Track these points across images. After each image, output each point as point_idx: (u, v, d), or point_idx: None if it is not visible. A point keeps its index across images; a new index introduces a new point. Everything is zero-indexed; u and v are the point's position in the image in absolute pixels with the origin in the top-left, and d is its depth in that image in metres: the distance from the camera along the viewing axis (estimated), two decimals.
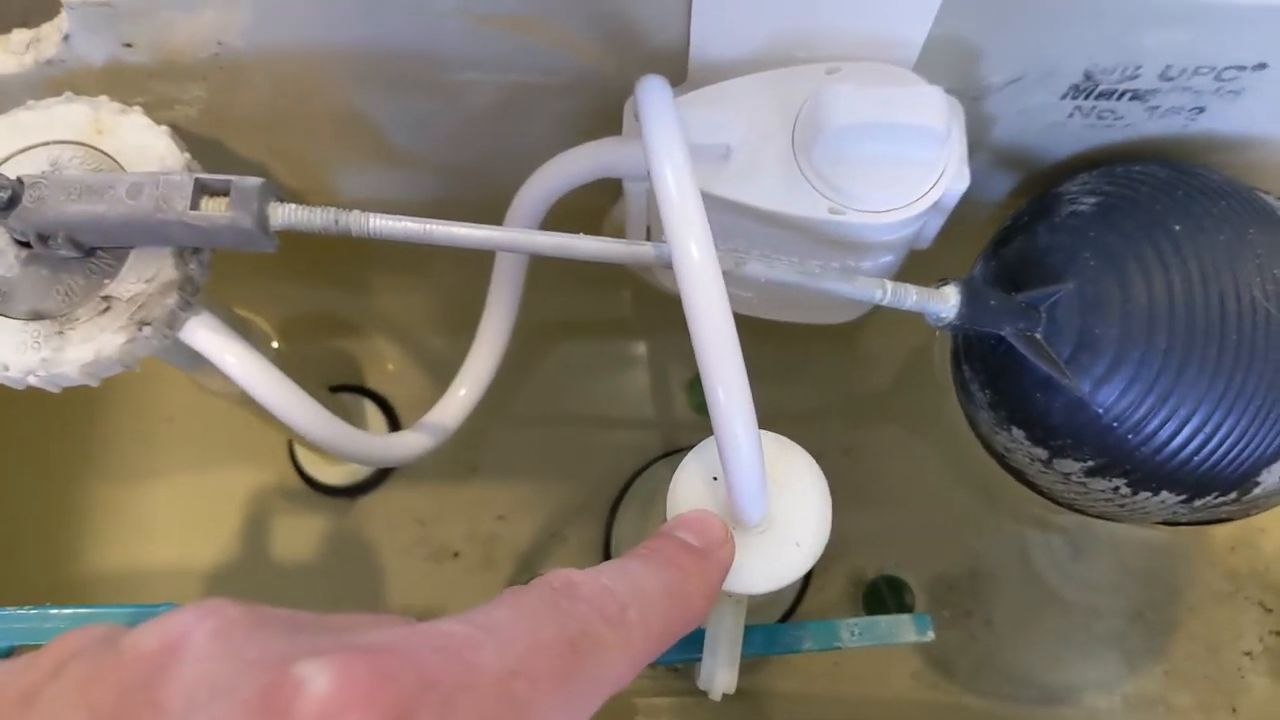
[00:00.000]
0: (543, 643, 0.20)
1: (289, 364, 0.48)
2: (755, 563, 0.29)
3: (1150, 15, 0.31)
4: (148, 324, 0.30)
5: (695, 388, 0.55)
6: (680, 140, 0.28)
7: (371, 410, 0.53)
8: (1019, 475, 0.39)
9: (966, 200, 0.42)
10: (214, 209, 0.28)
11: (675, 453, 0.54)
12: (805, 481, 0.30)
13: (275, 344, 0.42)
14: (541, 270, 0.37)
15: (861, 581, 0.53)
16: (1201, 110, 0.36)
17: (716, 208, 0.33)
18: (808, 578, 0.53)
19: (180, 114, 0.36)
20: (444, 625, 0.19)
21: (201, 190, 0.28)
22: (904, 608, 0.53)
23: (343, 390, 0.53)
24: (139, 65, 0.34)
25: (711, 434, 0.29)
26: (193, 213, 0.28)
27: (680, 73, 0.34)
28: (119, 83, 0.34)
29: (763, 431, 0.31)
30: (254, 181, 0.28)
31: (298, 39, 0.32)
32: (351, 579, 0.51)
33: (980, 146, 0.39)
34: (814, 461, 0.31)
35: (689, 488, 0.30)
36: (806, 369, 0.54)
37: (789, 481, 0.30)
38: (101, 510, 0.51)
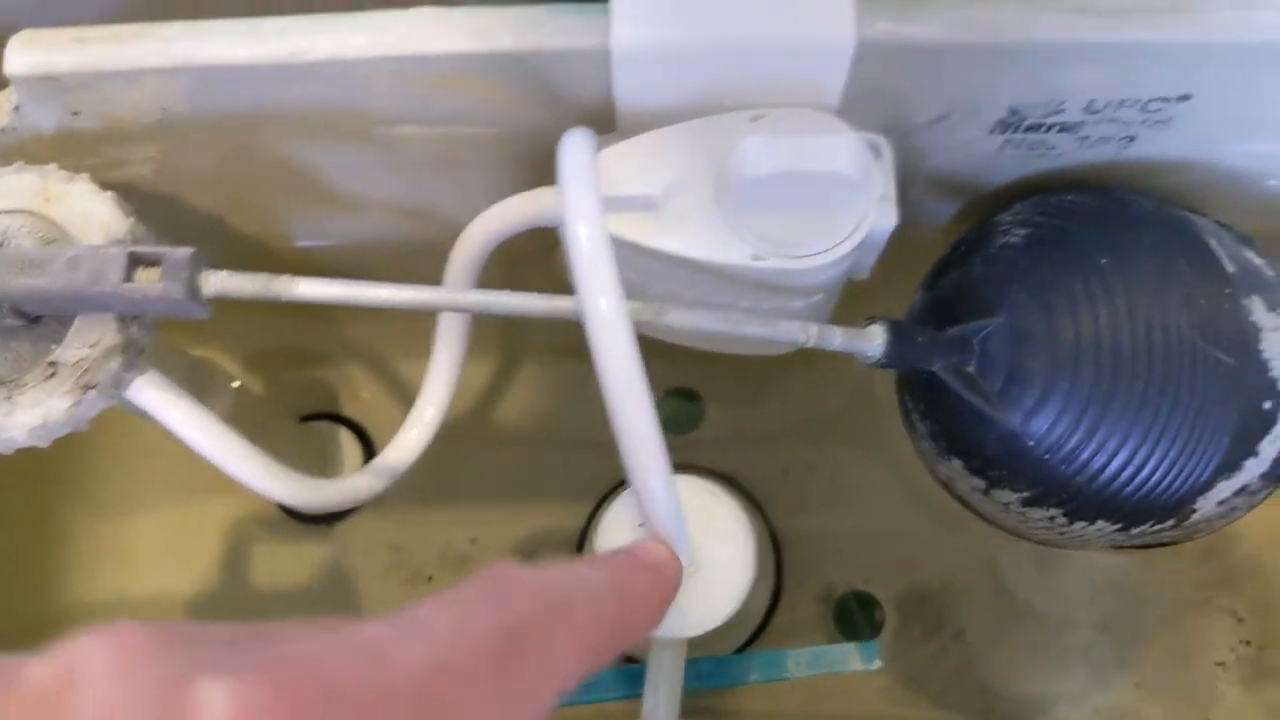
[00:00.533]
0: (473, 632, 0.18)
1: (255, 399, 0.49)
2: (682, 607, 0.30)
3: (1066, 56, 0.31)
4: (92, 387, 0.31)
5: (661, 407, 0.56)
6: (593, 198, 0.29)
7: (347, 438, 0.54)
8: (963, 502, 0.40)
9: (912, 227, 0.43)
10: (147, 280, 0.29)
11: None
12: (730, 526, 0.31)
13: (235, 383, 0.43)
14: None
15: (831, 597, 0.54)
16: (1133, 139, 0.36)
17: (646, 256, 0.33)
18: (776, 595, 0.53)
19: (134, 173, 0.37)
20: (367, 627, 0.18)
21: (136, 262, 0.29)
22: (874, 623, 0.54)
23: (317, 419, 0.55)
24: (89, 130, 0.35)
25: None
26: (126, 285, 0.29)
27: (611, 121, 0.34)
28: (71, 147, 0.35)
29: (688, 477, 0.32)
30: (184, 253, 0.29)
31: (236, 102, 0.33)
32: (329, 605, 0.52)
33: (917, 178, 0.39)
34: (738, 506, 0.32)
35: (615, 536, 0.31)
36: (771, 388, 0.55)
37: (715, 526, 0.31)
38: (84, 542, 0.53)
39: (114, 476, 0.53)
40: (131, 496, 0.53)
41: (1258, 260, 0.36)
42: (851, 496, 0.55)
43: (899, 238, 0.41)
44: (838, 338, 0.33)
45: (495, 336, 0.55)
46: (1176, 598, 0.53)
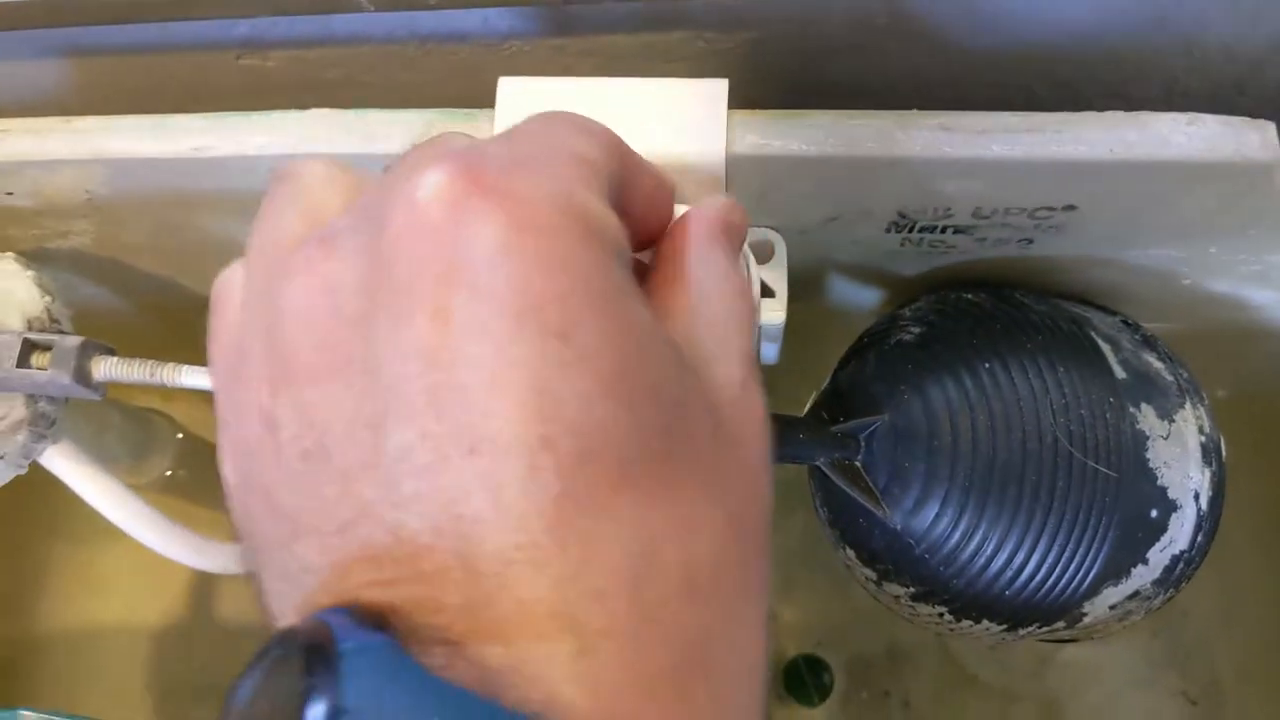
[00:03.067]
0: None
1: (203, 450, 0.51)
2: None
3: (935, 169, 0.32)
4: (1, 457, 0.33)
5: None
6: None
7: None
8: (865, 590, 0.40)
9: (843, 309, 0.43)
10: (41, 364, 0.31)
11: None
12: None
13: (180, 435, 0.45)
14: None
15: (781, 660, 0.54)
16: (1030, 242, 0.36)
17: None
18: None
19: (77, 242, 0.40)
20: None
21: (32, 347, 0.31)
22: (823, 687, 0.54)
23: None
24: (26, 208, 0.37)
25: None
26: (18, 370, 0.31)
27: None
28: (15, 220, 0.37)
29: None
30: (74, 341, 0.31)
31: (154, 188, 0.35)
32: None
33: (830, 267, 0.40)
34: None
35: None
36: None
37: None
38: (60, 569, 0.56)
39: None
40: (107, 524, 0.55)
41: (1157, 364, 0.36)
42: (805, 560, 0.55)
43: (840, 318, 0.42)
44: None
45: None
46: (1127, 676, 0.53)
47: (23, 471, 0.34)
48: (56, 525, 0.56)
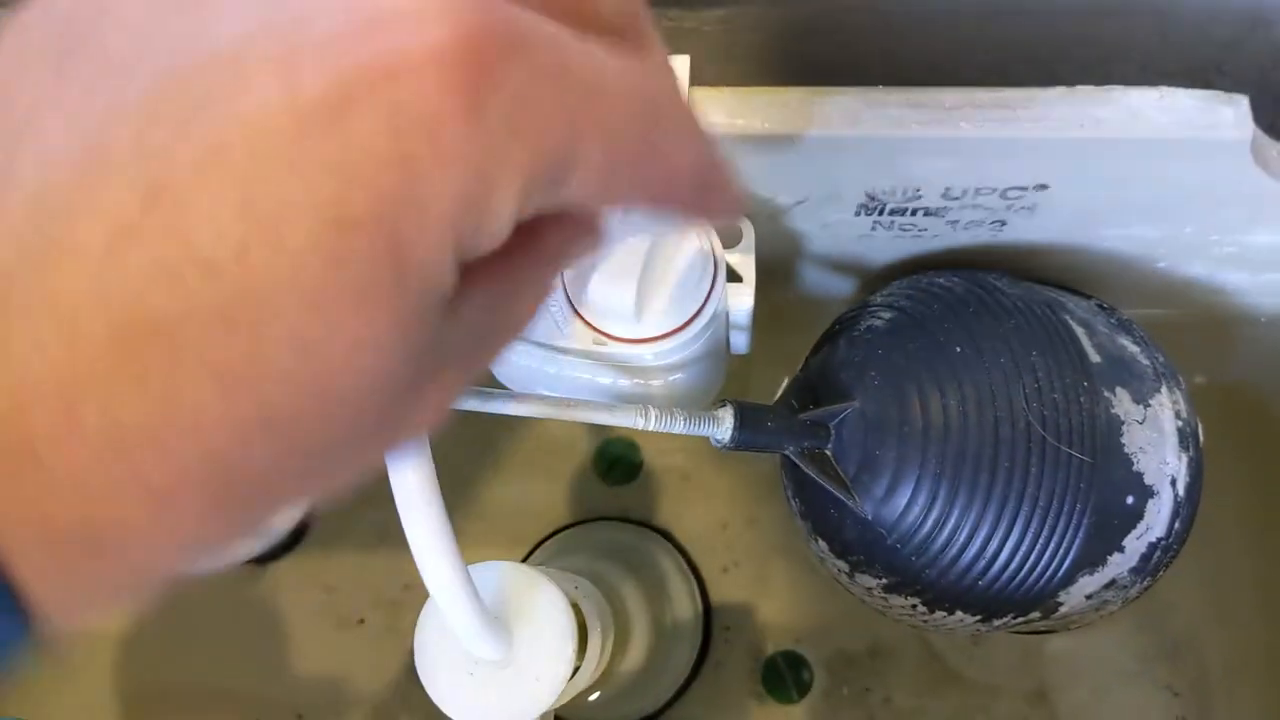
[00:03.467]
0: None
1: None
2: (496, 698, 0.30)
3: (903, 149, 0.31)
4: None
5: (600, 456, 0.56)
6: None
7: None
8: (837, 582, 0.39)
9: (818, 297, 0.43)
10: None
11: (583, 522, 0.55)
12: (548, 615, 0.31)
13: None
14: None
15: (760, 656, 0.54)
16: (1003, 224, 0.35)
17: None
18: (704, 651, 0.53)
19: None
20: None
21: None
22: (801, 684, 0.53)
23: None
24: None
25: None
26: None
27: None
28: None
29: (512, 564, 0.32)
30: None
31: None
32: (257, 645, 0.53)
33: (803, 253, 0.39)
34: (560, 594, 0.32)
35: (433, 632, 0.31)
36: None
37: (534, 615, 0.31)
38: None
39: None
40: None
41: (1133, 348, 0.35)
42: (787, 554, 0.54)
43: (813, 308, 0.42)
44: (680, 422, 0.33)
45: None
46: (1112, 669, 0.52)
47: None
48: None
